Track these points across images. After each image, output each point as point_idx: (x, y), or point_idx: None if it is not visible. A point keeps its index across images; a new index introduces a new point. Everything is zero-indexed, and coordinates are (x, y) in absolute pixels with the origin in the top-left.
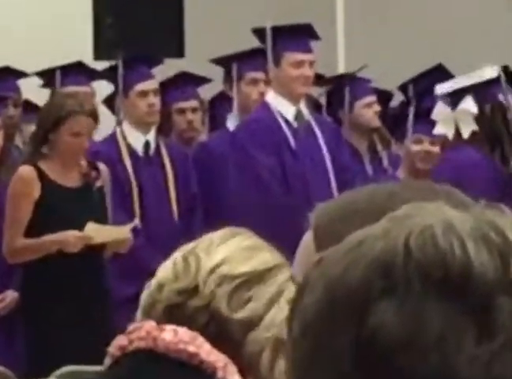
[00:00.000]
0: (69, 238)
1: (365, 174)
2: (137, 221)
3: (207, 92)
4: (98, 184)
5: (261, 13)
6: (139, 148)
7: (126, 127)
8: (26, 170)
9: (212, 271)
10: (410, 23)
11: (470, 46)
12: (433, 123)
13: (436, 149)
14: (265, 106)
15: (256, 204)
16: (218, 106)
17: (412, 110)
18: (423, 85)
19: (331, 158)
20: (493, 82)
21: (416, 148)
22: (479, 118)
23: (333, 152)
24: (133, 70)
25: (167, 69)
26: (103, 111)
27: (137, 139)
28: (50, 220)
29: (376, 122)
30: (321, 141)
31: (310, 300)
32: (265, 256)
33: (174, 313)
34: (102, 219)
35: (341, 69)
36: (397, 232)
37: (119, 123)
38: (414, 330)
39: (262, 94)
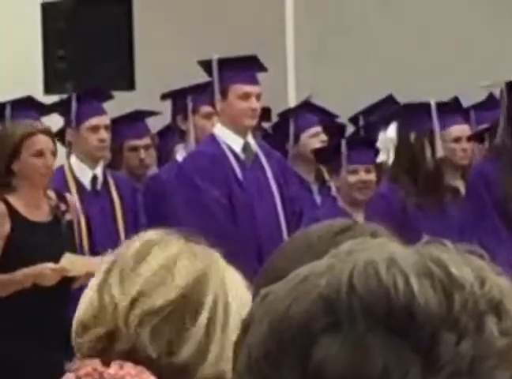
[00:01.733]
0: (45, 271)
1: (313, 204)
2: (110, 252)
3: (154, 124)
4: (67, 217)
5: (210, 46)
6: (86, 181)
7: (74, 161)
8: None
9: (130, 309)
10: (360, 54)
11: (420, 75)
12: (366, 151)
13: (371, 177)
14: (213, 138)
15: (204, 235)
16: (166, 138)
17: (344, 142)
18: (374, 117)
19: (279, 189)
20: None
21: (352, 178)
22: (400, 147)
23: (280, 184)
24: (86, 104)
25: (118, 101)
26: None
27: (84, 173)
28: (20, 256)
29: (308, 155)
30: (269, 173)
31: (255, 336)
32: (184, 268)
33: (101, 357)
34: (72, 252)
35: (292, 100)
36: (341, 268)
37: (68, 157)
38: (358, 366)
39: (210, 127)
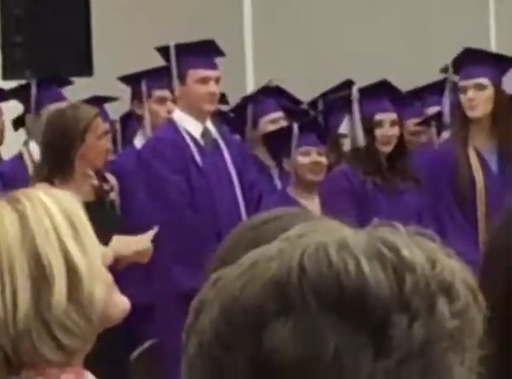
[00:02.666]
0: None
1: (273, 189)
2: (156, 229)
3: (116, 111)
4: (111, 197)
5: (168, 31)
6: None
7: (33, 147)
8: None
9: None
10: (320, 38)
11: (379, 61)
12: (318, 134)
13: (323, 159)
14: (172, 123)
15: (163, 221)
16: (128, 124)
17: (296, 125)
18: (332, 100)
19: (238, 175)
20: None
21: (303, 160)
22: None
23: (239, 169)
24: (46, 91)
25: (76, 87)
26: (11, 131)
27: None
28: None
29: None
30: (228, 158)
31: (207, 320)
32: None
33: None
34: (118, 233)
35: (250, 85)
36: (292, 251)
37: (27, 143)
38: (309, 349)
39: (170, 112)
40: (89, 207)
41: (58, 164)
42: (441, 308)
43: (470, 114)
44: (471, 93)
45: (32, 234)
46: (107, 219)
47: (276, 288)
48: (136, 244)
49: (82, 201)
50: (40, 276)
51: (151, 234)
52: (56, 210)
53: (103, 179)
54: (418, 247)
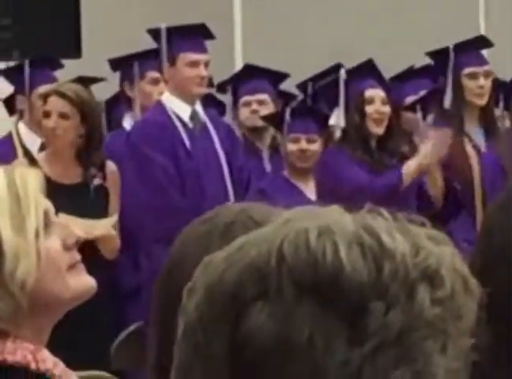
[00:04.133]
0: None
1: (262, 172)
2: (116, 216)
3: (104, 93)
4: (97, 181)
5: (158, 13)
6: (35, 149)
7: (23, 128)
8: None
9: None
10: (310, 21)
11: (368, 44)
12: (310, 121)
13: (313, 147)
14: (160, 106)
15: (150, 203)
16: (115, 106)
17: (288, 110)
18: (320, 87)
19: (226, 158)
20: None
21: (292, 147)
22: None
23: (228, 152)
24: (38, 72)
25: (65, 69)
26: (1, 111)
27: (33, 140)
28: None
29: (250, 122)
30: (217, 142)
31: (192, 302)
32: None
33: None
34: (99, 219)
35: (239, 68)
36: (274, 237)
37: (17, 124)
38: (285, 333)
39: (162, 93)
40: (72, 189)
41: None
42: (421, 295)
43: (478, 101)
44: (482, 80)
45: None
46: (88, 204)
47: (256, 272)
48: (92, 227)
49: (64, 183)
50: None
51: (112, 220)
52: (2, 183)
53: (98, 164)
54: (403, 234)
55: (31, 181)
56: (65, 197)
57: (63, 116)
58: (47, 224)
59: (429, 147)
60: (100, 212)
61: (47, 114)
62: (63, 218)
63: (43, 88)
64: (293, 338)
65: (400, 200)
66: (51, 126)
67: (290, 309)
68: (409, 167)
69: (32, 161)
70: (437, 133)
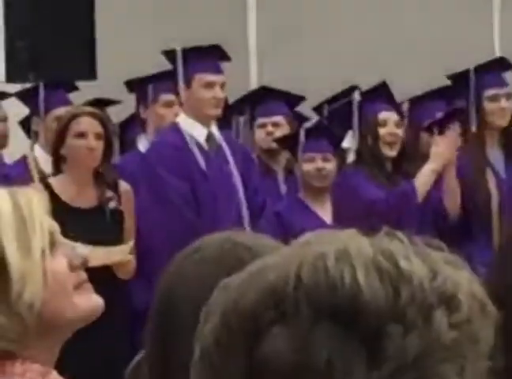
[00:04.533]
0: None
1: (278, 195)
2: (132, 241)
3: (117, 115)
4: (112, 205)
5: (172, 35)
6: (49, 172)
7: (38, 150)
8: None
9: None
10: (324, 42)
11: (383, 67)
12: (324, 140)
13: (329, 166)
14: (176, 127)
15: (166, 226)
16: (129, 128)
17: (303, 130)
18: (335, 109)
19: (242, 180)
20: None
21: (308, 166)
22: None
23: (243, 175)
24: (52, 95)
25: (80, 91)
26: (16, 133)
27: (48, 163)
28: None
29: (265, 144)
30: (232, 164)
31: (209, 325)
32: None
33: None
34: (115, 243)
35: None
36: (292, 260)
37: (32, 146)
38: (302, 358)
39: (177, 116)
40: (88, 213)
41: (53, 165)
42: (438, 319)
43: (501, 122)
44: (504, 102)
45: None
46: (104, 227)
47: (273, 296)
48: (109, 254)
49: (81, 207)
50: None
51: (129, 245)
52: (7, 205)
53: (111, 185)
54: (420, 258)
55: (35, 201)
56: (82, 221)
57: (98, 137)
58: (53, 244)
59: (439, 150)
60: (116, 235)
61: (81, 135)
62: (82, 248)
63: (58, 111)
64: (311, 362)
65: (416, 212)
66: (91, 146)
67: (308, 333)
68: (421, 175)
69: (46, 184)
70: (445, 136)
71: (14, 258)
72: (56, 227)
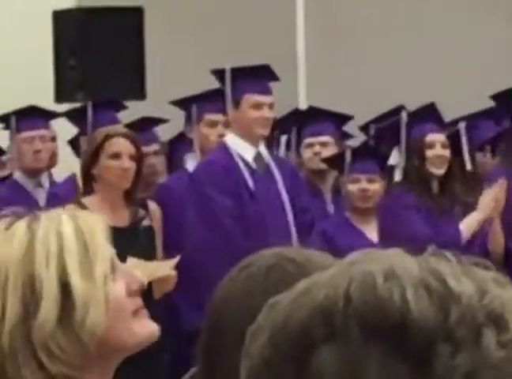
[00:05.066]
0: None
1: (325, 214)
2: (178, 257)
3: (166, 134)
4: (146, 223)
5: (221, 55)
6: None
7: None
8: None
9: None
10: (373, 62)
11: (431, 87)
12: (370, 161)
13: (374, 187)
14: (224, 147)
15: (214, 246)
16: (177, 147)
17: (348, 150)
18: (382, 128)
19: (290, 200)
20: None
21: (353, 187)
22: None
23: (291, 194)
24: (101, 114)
25: (129, 111)
26: (66, 152)
27: None
28: None
29: (313, 164)
30: (281, 183)
31: (257, 345)
32: None
33: None
34: (150, 260)
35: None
36: (341, 279)
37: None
38: (352, 376)
39: (221, 136)
40: (122, 232)
41: (83, 186)
42: (487, 339)
43: None
44: None
45: (34, 256)
46: (138, 246)
47: (323, 315)
48: (155, 270)
49: (115, 226)
50: (30, 298)
51: (173, 261)
52: (70, 230)
53: (140, 204)
54: (468, 277)
55: (97, 227)
56: (117, 241)
57: (132, 158)
58: (113, 270)
59: (486, 201)
60: (151, 253)
61: (115, 156)
62: (132, 261)
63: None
64: None
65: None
66: (125, 167)
67: (357, 352)
68: (467, 223)
69: (81, 205)
70: (494, 188)
71: (77, 283)
72: (114, 251)
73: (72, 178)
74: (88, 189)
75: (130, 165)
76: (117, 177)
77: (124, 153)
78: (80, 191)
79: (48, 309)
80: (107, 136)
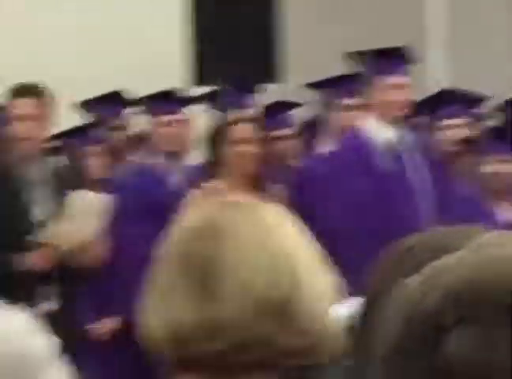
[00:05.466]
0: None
1: (459, 195)
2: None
3: (301, 117)
4: None
5: (353, 37)
6: None
7: None
8: None
9: None
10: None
11: None
12: (505, 142)
13: (508, 168)
14: (361, 130)
15: (355, 228)
16: (312, 131)
17: (482, 132)
18: None
19: (423, 183)
20: None
21: (486, 169)
22: None
23: (425, 177)
24: (234, 97)
25: (264, 94)
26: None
27: None
28: None
29: (447, 146)
30: (417, 166)
31: (391, 324)
32: None
33: None
34: None
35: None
36: (471, 262)
37: None
38: (487, 357)
39: (357, 119)
40: None
41: (210, 172)
42: None
43: None
44: None
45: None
46: None
47: (454, 298)
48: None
49: None
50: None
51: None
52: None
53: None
54: None
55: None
56: None
57: (258, 143)
58: None
59: None
60: None
61: (241, 142)
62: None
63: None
64: (496, 361)
65: None
66: (252, 152)
67: (490, 332)
68: None
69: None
70: None
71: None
72: None
73: (202, 164)
74: (215, 175)
75: (255, 150)
76: (244, 162)
77: (249, 138)
78: (209, 176)
79: None
80: (232, 122)
